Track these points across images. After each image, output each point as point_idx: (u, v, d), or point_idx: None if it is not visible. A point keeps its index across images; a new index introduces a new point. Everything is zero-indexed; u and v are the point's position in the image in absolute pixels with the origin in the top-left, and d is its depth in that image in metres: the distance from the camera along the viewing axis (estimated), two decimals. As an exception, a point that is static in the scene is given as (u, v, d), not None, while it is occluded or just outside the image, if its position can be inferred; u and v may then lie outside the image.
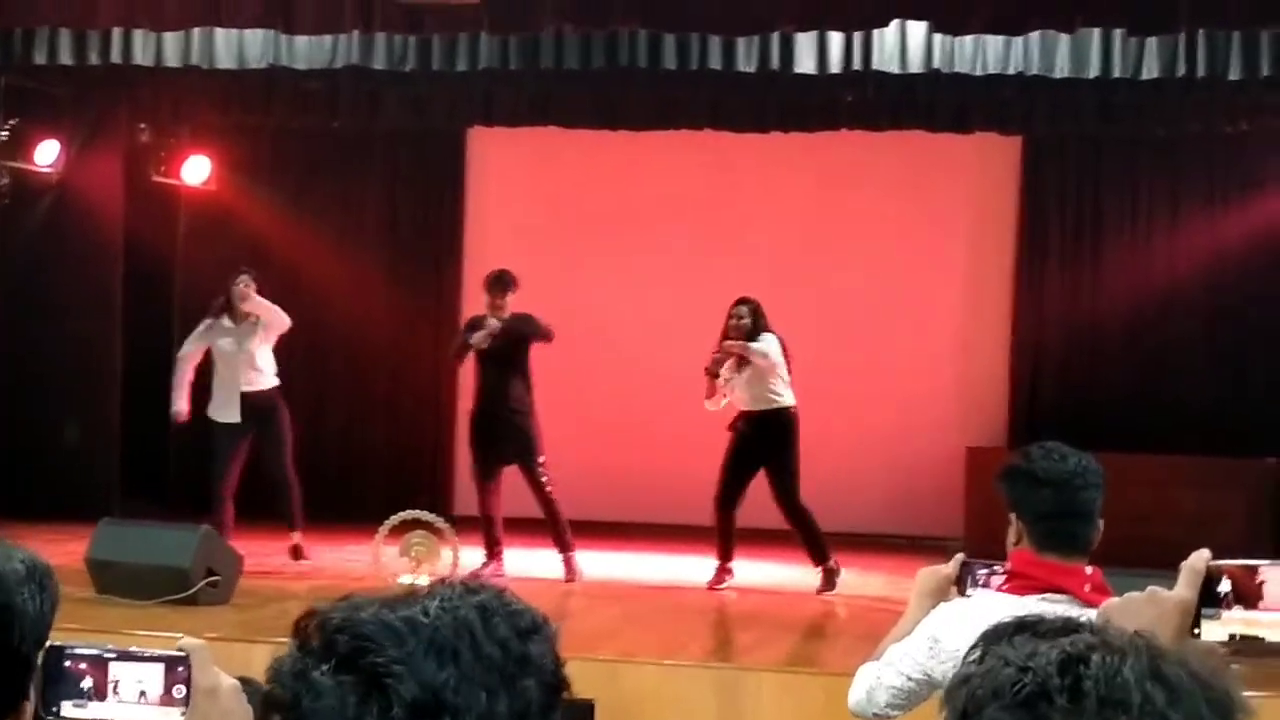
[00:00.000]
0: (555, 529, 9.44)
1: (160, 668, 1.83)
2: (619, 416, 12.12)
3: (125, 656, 1.83)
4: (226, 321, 9.81)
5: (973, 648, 1.30)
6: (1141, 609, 2.05)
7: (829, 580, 9.17)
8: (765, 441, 9.20)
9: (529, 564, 9.60)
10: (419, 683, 1.23)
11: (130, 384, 11.82)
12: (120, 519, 9.03)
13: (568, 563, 9.46)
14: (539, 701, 1.28)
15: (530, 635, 1.31)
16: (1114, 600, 2.11)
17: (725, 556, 9.38)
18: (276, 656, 1.30)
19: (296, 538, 9.90)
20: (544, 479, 9.34)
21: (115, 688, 1.82)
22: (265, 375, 9.86)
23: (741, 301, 9.38)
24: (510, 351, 9.37)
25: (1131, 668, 1.20)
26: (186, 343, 10.02)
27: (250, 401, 9.75)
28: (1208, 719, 1.19)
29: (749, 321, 9.26)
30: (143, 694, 1.83)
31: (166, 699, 1.82)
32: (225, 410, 9.77)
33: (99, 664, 1.82)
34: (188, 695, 1.80)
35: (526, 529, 9.75)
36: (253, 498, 10.85)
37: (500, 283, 9.45)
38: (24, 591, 1.65)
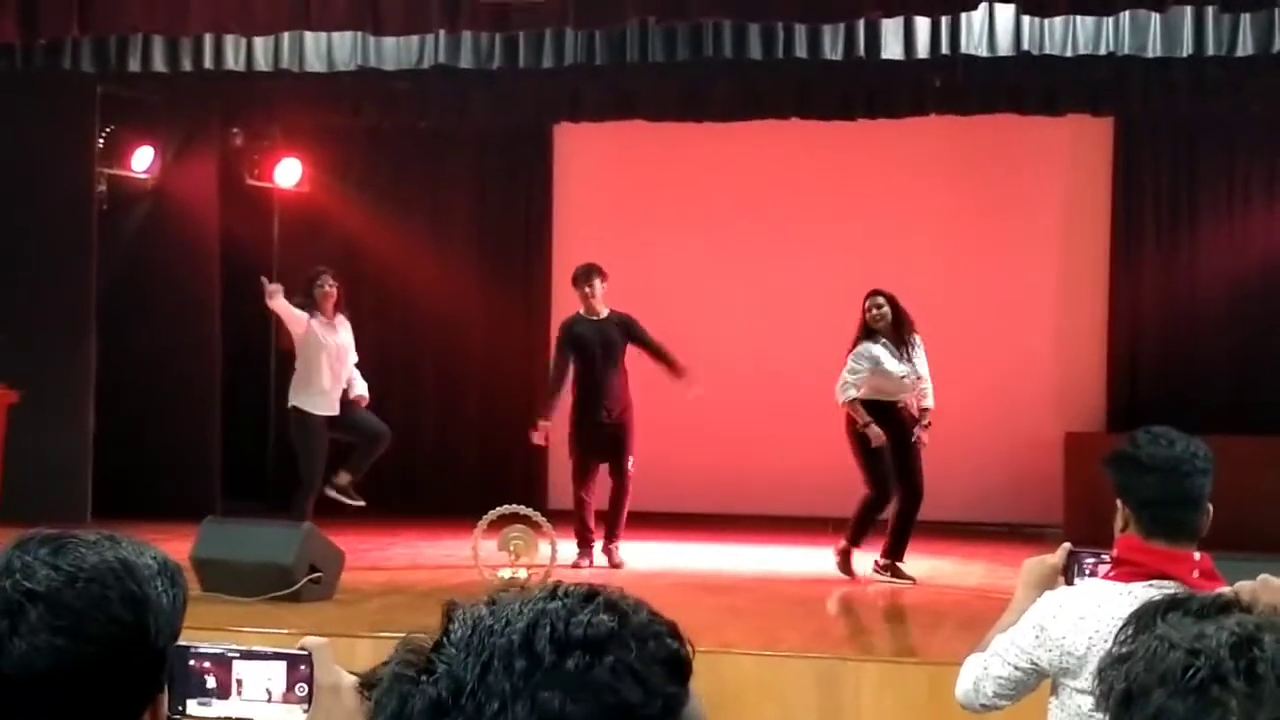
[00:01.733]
0: (619, 520, 9.69)
1: (283, 666, 1.86)
2: (702, 406, 12.10)
3: (249, 655, 1.86)
4: (321, 318, 9.84)
5: (1124, 625, 1.27)
6: (1256, 596, 2.03)
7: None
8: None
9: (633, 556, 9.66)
10: (451, 680, 1.20)
11: (230, 385, 11.98)
12: (223, 518, 9.17)
13: (615, 552, 9.71)
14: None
15: (577, 649, 1.19)
16: (1233, 586, 2.09)
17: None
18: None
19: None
20: (629, 473, 9.65)
21: (239, 686, 1.85)
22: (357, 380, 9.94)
23: (877, 293, 9.29)
24: (616, 350, 9.57)
25: None
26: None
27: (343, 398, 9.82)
28: None
29: (888, 310, 9.17)
30: (268, 692, 1.86)
31: (290, 696, 1.85)
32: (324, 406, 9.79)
33: (223, 663, 1.85)
34: (310, 693, 1.83)
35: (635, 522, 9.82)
36: (358, 490, 11.00)
37: (587, 275, 9.57)
38: (158, 584, 1.69)
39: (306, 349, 9.77)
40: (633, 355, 9.80)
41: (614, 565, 9.61)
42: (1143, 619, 1.26)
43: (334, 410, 9.73)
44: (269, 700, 1.86)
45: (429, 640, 1.25)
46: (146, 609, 1.66)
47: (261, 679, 1.86)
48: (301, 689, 1.84)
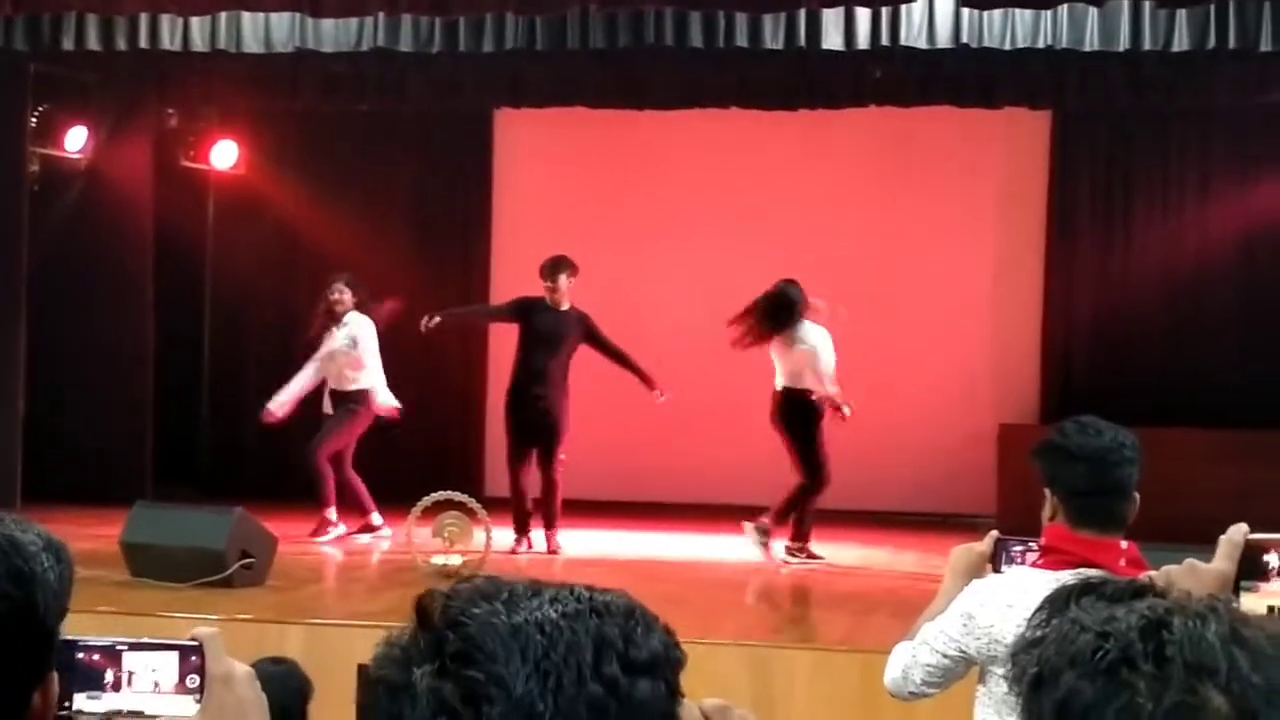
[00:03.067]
0: (553, 508, 9.76)
1: (174, 656, 1.82)
2: (641, 394, 12.11)
3: (138, 646, 1.81)
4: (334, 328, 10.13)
5: (1038, 610, 1.27)
6: (1180, 581, 2.04)
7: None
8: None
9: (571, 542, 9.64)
10: (514, 707, 1.18)
11: (162, 368, 11.87)
12: (154, 502, 9.08)
13: (552, 538, 9.77)
14: None
15: (644, 673, 1.23)
16: (1151, 573, 2.10)
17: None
18: (392, 634, 1.25)
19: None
20: (559, 463, 9.70)
21: (129, 679, 1.81)
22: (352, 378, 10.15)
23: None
24: (567, 344, 9.67)
25: (1215, 632, 1.17)
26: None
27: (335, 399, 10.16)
28: None
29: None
30: (156, 684, 1.81)
31: (181, 688, 1.81)
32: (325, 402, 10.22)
33: (112, 655, 1.81)
34: (202, 684, 1.79)
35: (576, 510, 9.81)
36: (284, 479, 10.93)
37: (554, 269, 9.64)
38: (43, 560, 1.66)
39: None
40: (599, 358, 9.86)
41: (551, 551, 9.61)
42: (1056, 603, 1.26)
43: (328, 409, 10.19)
44: (159, 691, 1.81)
45: (415, 640, 1.23)
46: (34, 584, 1.63)
47: (152, 670, 1.82)
48: (193, 680, 1.80)
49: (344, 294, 10.14)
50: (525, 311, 9.76)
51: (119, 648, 1.82)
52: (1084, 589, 1.27)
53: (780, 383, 9.43)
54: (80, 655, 1.79)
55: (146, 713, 1.82)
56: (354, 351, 10.03)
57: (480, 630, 1.20)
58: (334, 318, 10.11)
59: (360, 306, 10.18)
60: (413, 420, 12.66)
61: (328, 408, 10.18)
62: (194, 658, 1.81)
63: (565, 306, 9.71)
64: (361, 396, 10.05)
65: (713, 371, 12.05)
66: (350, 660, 5.68)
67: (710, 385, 12.00)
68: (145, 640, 1.83)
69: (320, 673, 4.55)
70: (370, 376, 10.08)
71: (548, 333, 9.63)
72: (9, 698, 1.63)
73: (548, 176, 12.65)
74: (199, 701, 1.79)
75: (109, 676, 1.81)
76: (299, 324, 11.62)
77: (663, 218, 12.33)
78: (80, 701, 1.79)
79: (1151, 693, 1.15)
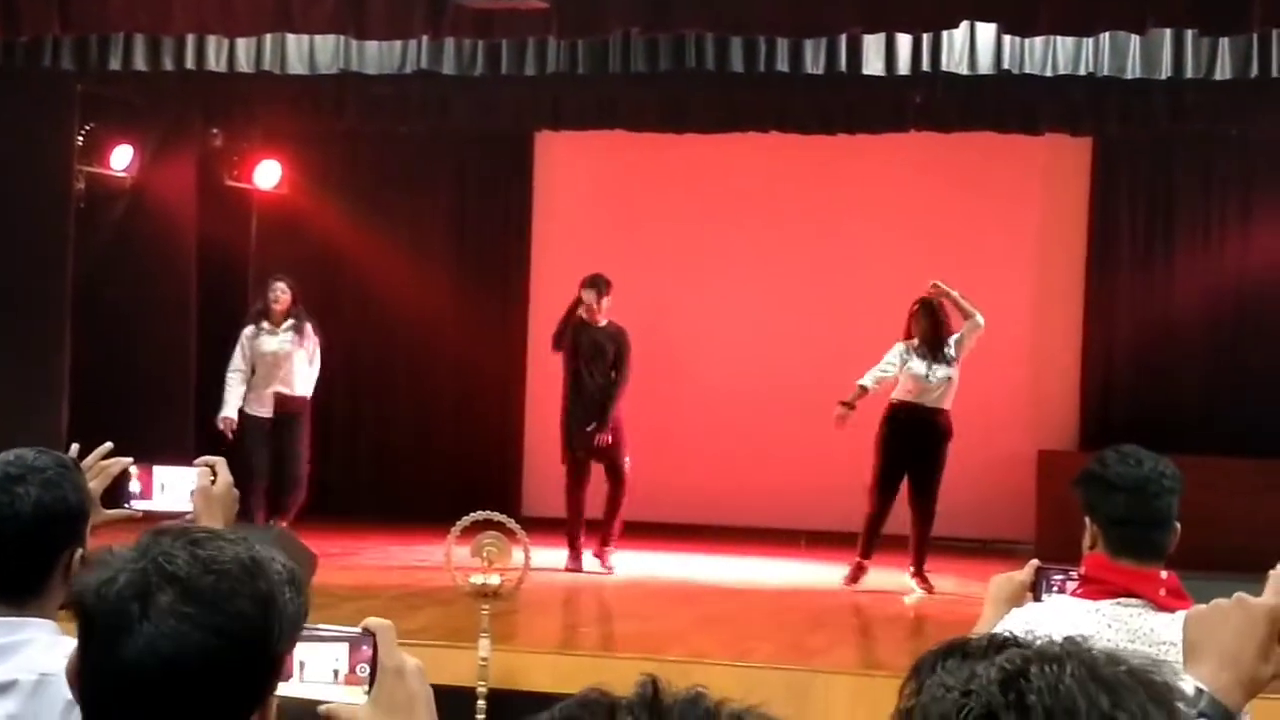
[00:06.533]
0: (613, 524, 9.91)
1: (345, 647, 1.84)
2: (680, 417, 12.12)
3: (310, 636, 1.82)
4: (266, 325, 10.30)
5: (906, 680, 1.29)
6: (1228, 615, 2.04)
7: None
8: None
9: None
10: None
11: (204, 385, 11.94)
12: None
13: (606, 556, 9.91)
14: None
15: None
16: (1201, 607, 2.10)
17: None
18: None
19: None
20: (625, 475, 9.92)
21: (302, 668, 1.82)
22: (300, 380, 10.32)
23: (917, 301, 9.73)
24: (604, 360, 9.87)
25: (1072, 674, 1.20)
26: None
27: (280, 402, 10.28)
28: (1153, 714, 1.19)
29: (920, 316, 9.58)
30: (334, 673, 1.84)
31: (351, 678, 1.83)
32: (257, 406, 10.31)
33: None
34: (372, 674, 1.80)
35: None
36: (326, 496, 10.99)
37: (595, 285, 9.81)
38: (285, 590, 1.69)
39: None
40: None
41: (605, 569, 9.73)
42: (922, 670, 1.28)
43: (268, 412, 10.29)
44: (333, 681, 1.83)
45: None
46: (273, 609, 1.66)
47: (324, 660, 1.84)
48: (363, 670, 1.82)
49: (285, 294, 10.30)
50: (568, 333, 10.01)
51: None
52: (947, 650, 1.29)
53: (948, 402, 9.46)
54: None
55: (318, 699, 1.83)
56: (295, 351, 10.23)
57: None
58: (273, 319, 10.29)
59: (299, 308, 10.30)
60: (450, 440, 12.74)
61: (260, 410, 10.24)
62: (365, 648, 1.82)
63: (603, 323, 9.91)
64: (309, 400, 10.30)
65: (750, 396, 12.06)
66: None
67: (749, 409, 12.01)
68: (319, 629, 1.84)
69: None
70: (313, 379, 10.33)
71: (584, 349, 9.87)
72: (231, 714, 1.66)
73: (587, 199, 12.69)
74: (368, 692, 1.80)
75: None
76: (338, 342, 11.70)
77: (702, 241, 12.35)
78: None
79: None
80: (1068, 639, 1.25)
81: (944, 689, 1.22)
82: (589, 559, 9.80)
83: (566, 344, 9.93)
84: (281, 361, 10.25)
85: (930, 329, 9.43)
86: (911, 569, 9.41)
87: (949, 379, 9.38)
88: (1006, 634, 1.29)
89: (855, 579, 9.42)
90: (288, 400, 10.29)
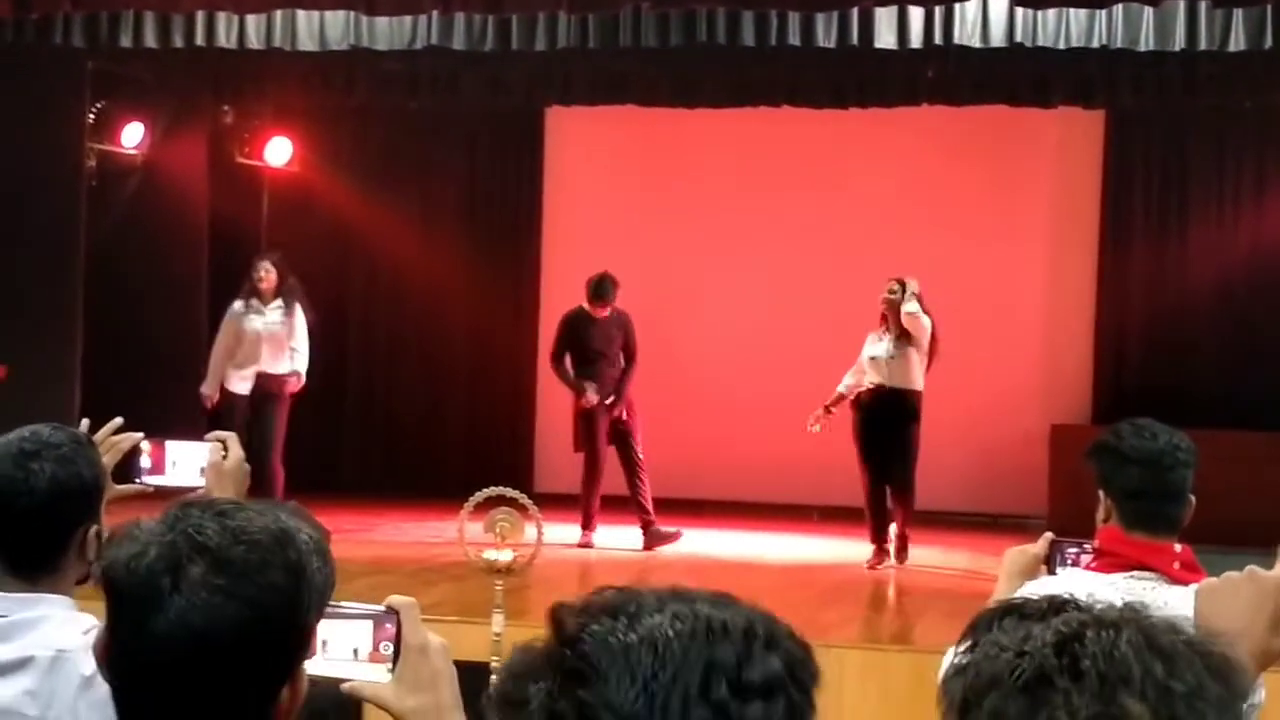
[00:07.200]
0: (643, 503, 9.96)
1: (369, 625, 1.83)
2: (692, 391, 12.12)
3: (333, 614, 1.81)
4: (255, 303, 10.19)
5: (963, 638, 1.28)
6: (1240, 588, 2.04)
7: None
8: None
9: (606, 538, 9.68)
10: None
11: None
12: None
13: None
14: None
15: (758, 696, 1.20)
16: (1212, 580, 2.10)
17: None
18: (521, 644, 1.24)
19: None
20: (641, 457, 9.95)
21: (324, 646, 1.81)
22: (284, 360, 10.20)
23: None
24: (612, 346, 9.96)
25: (1128, 641, 1.19)
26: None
27: (260, 381, 10.16)
28: (1208, 685, 1.18)
29: (898, 296, 9.53)
30: (355, 651, 1.83)
31: (375, 656, 1.82)
32: (238, 383, 10.23)
33: None
34: (396, 652, 1.80)
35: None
36: (337, 471, 10.99)
37: (601, 289, 9.88)
38: (314, 560, 1.69)
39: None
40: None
41: (671, 535, 9.94)
42: (979, 628, 1.28)
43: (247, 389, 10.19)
44: (355, 659, 1.83)
45: (543, 656, 1.21)
46: (302, 580, 1.66)
47: (347, 637, 1.83)
48: (387, 648, 1.81)
49: (270, 273, 10.21)
50: (567, 327, 10.13)
51: None
52: (1005, 611, 1.28)
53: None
54: None
55: (341, 677, 1.82)
56: (283, 331, 10.14)
57: (596, 649, 1.19)
58: (260, 297, 10.19)
59: (286, 286, 10.22)
60: (463, 415, 12.76)
61: (238, 387, 10.17)
62: (388, 625, 1.82)
63: (605, 313, 9.99)
64: (290, 379, 10.17)
65: (760, 369, 12.06)
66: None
67: (758, 383, 12.00)
68: (342, 607, 1.83)
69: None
70: (300, 359, 10.20)
71: (588, 338, 9.96)
72: (263, 688, 1.65)
73: (598, 174, 12.67)
74: (392, 670, 1.80)
75: None
76: (351, 319, 11.71)
77: (712, 216, 12.33)
78: None
79: (1069, 706, 1.16)
80: (1128, 605, 1.25)
81: (998, 648, 1.22)
82: (635, 536, 9.87)
83: (573, 340, 10.00)
84: (265, 340, 10.16)
85: (892, 316, 9.54)
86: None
87: (901, 356, 9.38)
88: (1066, 595, 1.28)
89: (879, 562, 9.43)
90: (268, 379, 10.19)
